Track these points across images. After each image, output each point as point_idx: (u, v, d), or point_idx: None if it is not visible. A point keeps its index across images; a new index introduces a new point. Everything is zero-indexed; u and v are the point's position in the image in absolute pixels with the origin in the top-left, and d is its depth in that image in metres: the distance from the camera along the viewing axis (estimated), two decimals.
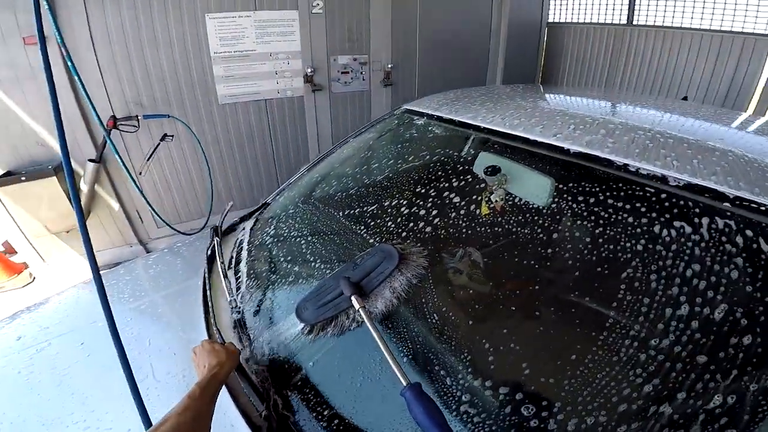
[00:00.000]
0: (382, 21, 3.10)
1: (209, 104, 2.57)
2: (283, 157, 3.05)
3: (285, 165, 3.08)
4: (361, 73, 3.16)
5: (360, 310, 0.59)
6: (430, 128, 1.06)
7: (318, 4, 2.78)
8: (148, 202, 2.14)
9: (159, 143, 2.29)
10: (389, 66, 3.21)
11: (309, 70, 2.87)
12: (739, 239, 0.53)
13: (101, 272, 0.75)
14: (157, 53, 2.34)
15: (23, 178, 2.14)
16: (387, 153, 1.17)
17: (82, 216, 0.57)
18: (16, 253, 2.86)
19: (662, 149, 0.68)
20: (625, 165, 0.65)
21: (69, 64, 1.96)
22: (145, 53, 2.31)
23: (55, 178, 2.18)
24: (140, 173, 2.33)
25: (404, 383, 0.49)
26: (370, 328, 0.56)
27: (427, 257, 0.67)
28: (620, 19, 3.78)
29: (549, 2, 4.24)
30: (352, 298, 0.61)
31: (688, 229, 0.57)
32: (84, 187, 2.26)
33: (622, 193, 0.65)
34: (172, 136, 2.32)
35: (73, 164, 2.29)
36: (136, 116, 2.15)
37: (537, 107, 1.01)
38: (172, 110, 2.40)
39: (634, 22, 3.67)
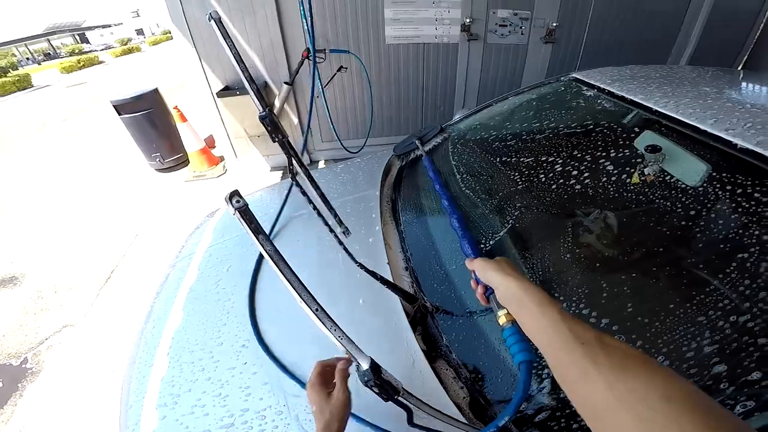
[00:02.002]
0: None
1: (378, 43, 2.89)
2: (430, 96, 3.30)
3: (431, 104, 3.35)
4: (521, 27, 3.11)
5: (420, 147, 1.33)
6: (599, 101, 1.16)
7: None
8: (330, 119, 2.62)
9: (336, 73, 2.73)
10: (554, 24, 3.07)
11: (467, 20, 2.96)
12: None
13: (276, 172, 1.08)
14: None
15: (237, 93, 2.79)
16: (549, 115, 1.28)
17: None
18: (215, 147, 3.74)
19: None
20: None
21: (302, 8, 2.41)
22: None
23: None
24: (317, 96, 2.84)
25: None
26: (425, 157, 1.15)
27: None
28: None
29: None
30: (416, 141, 1.42)
31: None
32: (277, 104, 2.87)
33: None
34: (347, 68, 2.74)
35: (271, 84, 2.91)
36: (324, 50, 2.60)
37: (720, 97, 1.00)
38: (348, 46, 2.79)
39: None
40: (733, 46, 3.65)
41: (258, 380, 0.84)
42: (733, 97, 1.04)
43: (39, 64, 27.30)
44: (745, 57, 3.67)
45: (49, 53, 34.72)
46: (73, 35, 40.76)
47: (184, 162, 3.78)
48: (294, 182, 0.92)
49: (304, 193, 0.92)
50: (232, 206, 0.39)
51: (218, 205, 1.56)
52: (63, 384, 1.80)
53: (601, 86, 1.18)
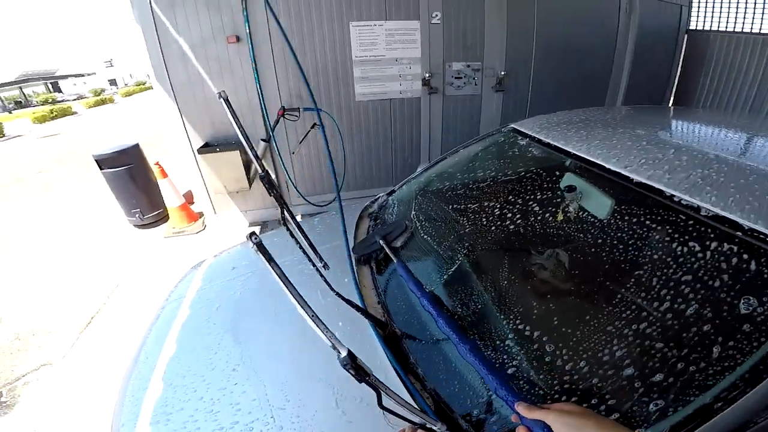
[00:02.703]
0: (497, 30, 3.33)
1: (348, 100, 3.15)
2: (399, 149, 3.54)
3: (400, 156, 3.57)
4: (474, 78, 3.45)
5: (384, 245, 1.19)
6: (529, 149, 1.36)
7: (437, 15, 3.15)
8: (289, 177, 2.79)
9: (309, 130, 2.95)
10: (502, 73, 3.42)
11: (427, 75, 3.27)
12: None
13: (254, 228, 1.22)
14: (314, 56, 2.98)
15: (217, 149, 2.95)
16: (492, 165, 1.48)
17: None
18: (194, 203, 3.81)
19: (709, 186, 0.84)
20: (671, 196, 0.88)
21: (252, 65, 2.65)
22: (306, 56, 2.96)
23: (238, 151, 2.93)
24: (293, 153, 3.03)
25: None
26: (390, 254, 1.13)
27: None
28: None
29: (690, 7, 3.92)
30: (380, 240, 1.23)
31: (698, 248, 0.80)
32: (254, 160, 3.04)
33: (671, 218, 0.87)
34: (321, 125, 2.97)
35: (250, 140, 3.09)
36: (298, 108, 2.82)
37: (627, 136, 1.18)
38: (320, 104, 3.04)
39: None
40: (658, 82, 4.14)
41: (247, 397, 0.92)
42: (638, 135, 1.20)
43: (10, 112, 26.71)
44: (673, 89, 4.16)
45: (21, 101, 34.21)
46: (46, 84, 40.60)
47: (163, 218, 3.81)
48: (285, 227, 1.07)
49: (292, 235, 1.06)
50: (252, 242, 0.55)
51: (202, 257, 1.70)
52: (38, 416, 1.84)
53: (532, 135, 1.38)
